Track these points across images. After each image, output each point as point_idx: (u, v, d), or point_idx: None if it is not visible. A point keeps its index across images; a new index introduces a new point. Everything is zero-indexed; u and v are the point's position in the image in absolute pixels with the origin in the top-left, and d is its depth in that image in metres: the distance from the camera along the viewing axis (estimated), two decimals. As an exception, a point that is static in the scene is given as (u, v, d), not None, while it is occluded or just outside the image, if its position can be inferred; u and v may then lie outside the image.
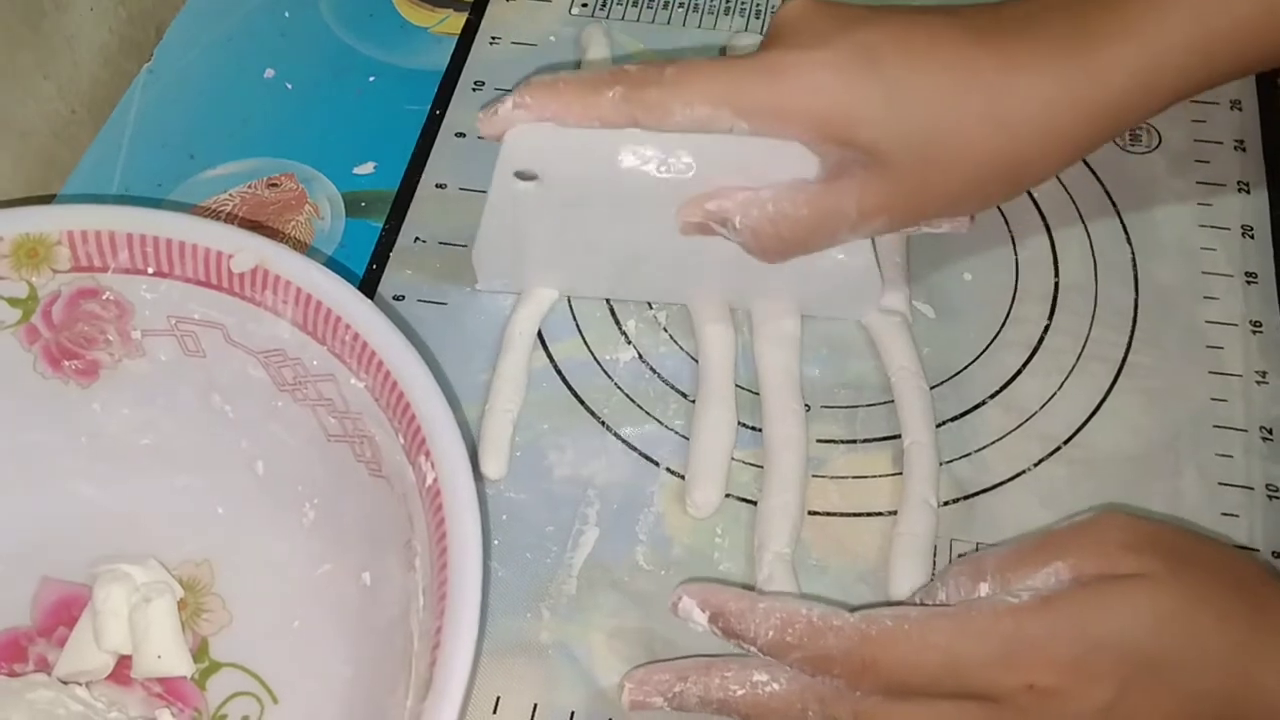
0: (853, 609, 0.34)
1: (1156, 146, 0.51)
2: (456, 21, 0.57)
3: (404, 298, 0.48)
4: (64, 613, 0.40)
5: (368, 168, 0.52)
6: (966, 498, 0.42)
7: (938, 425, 0.43)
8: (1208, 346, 0.45)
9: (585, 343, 0.46)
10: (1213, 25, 0.36)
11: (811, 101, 0.37)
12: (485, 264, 0.46)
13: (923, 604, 0.36)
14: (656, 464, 0.43)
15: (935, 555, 0.41)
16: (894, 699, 0.34)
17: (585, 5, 0.57)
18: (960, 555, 0.40)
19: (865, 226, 0.39)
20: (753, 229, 0.39)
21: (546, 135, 0.39)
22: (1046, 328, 0.46)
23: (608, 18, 0.56)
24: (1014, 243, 0.48)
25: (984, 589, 0.35)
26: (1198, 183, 0.49)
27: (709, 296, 0.46)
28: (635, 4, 0.57)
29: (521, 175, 0.41)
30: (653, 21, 0.56)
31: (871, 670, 0.33)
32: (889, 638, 0.33)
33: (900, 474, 0.42)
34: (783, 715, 0.35)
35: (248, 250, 0.39)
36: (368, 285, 0.48)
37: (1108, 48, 0.36)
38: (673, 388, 0.45)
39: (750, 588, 0.40)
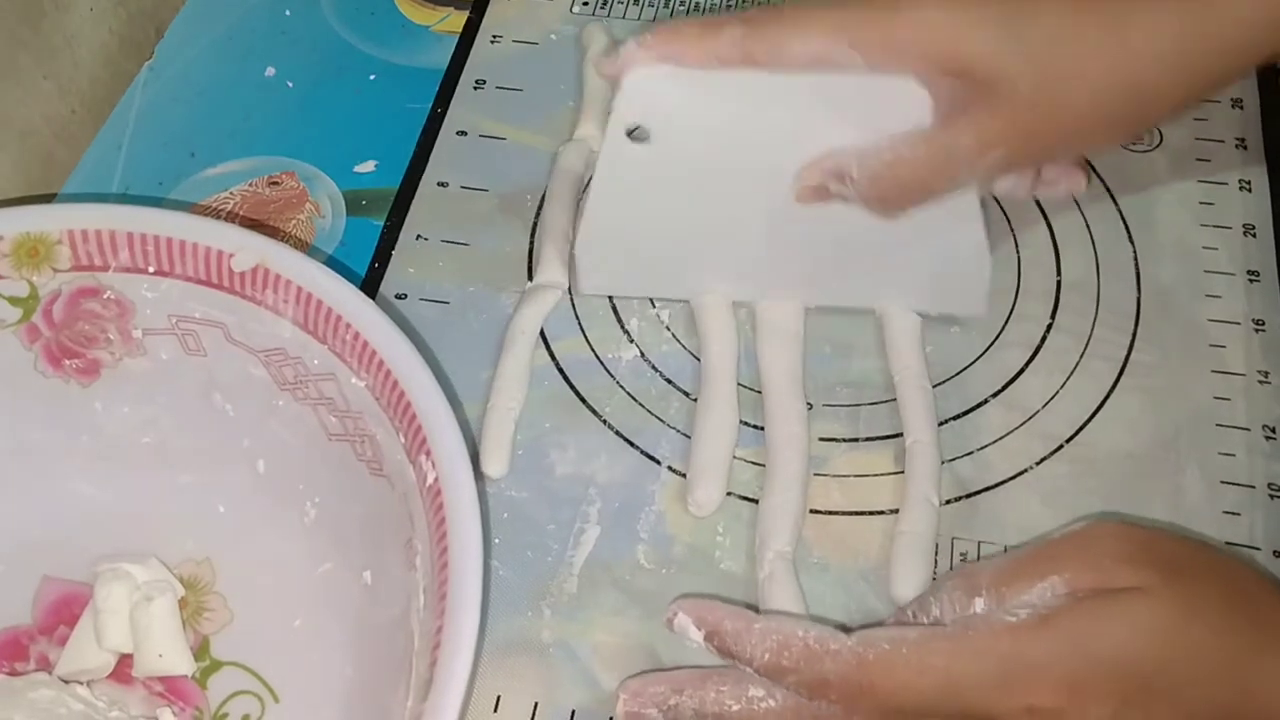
0: (849, 630, 0.34)
1: (1158, 145, 0.51)
2: (458, 20, 0.57)
3: (406, 296, 0.48)
4: (65, 611, 0.40)
5: (369, 166, 0.52)
6: (968, 496, 0.42)
7: (940, 424, 0.43)
8: (1210, 345, 0.45)
9: (587, 341, 0.46)
10: None
11: (926, 34, 0.37)
12: (588, 256, 0.45)
13: (916, 618, 0.36)
14: (658, 462, 0.43)
15: (936, 554, 0.41)
16: None
17: (586, 4, 0.57)
18: (956, 565, 0.40)
19: (984, 162, 0.39)
20: (870, 177, 0.39)
21: (662, 84, 0.39)
22: (1049, 326, 0.46)
23: (609, 16, 0.56)
24: (1016, 241, 0.48)
25: (979, 604, 0.34)
26: (1199, 181, 0.49)
27: (802, 293, 0.45)
28: (636, 2, 0.57)
29: (633, 136, 0.41)
30: (654, 20, 0.56)
31: (869, 694, 0.33)
32: (886, 662, 0.33)
33: (902, 473, 0.42)
34: None
35: (248, 249, 0.39)
36: (369, 284, 0.48)
37: None
38: (674, 386, 0.45)
39: (750, 607, 0.40)
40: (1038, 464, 0.43)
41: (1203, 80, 0.38)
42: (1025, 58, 0.37)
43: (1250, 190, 0.49)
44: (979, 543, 0.41)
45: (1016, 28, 0.37)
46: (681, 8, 0.56)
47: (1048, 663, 0.32)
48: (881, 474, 0.43)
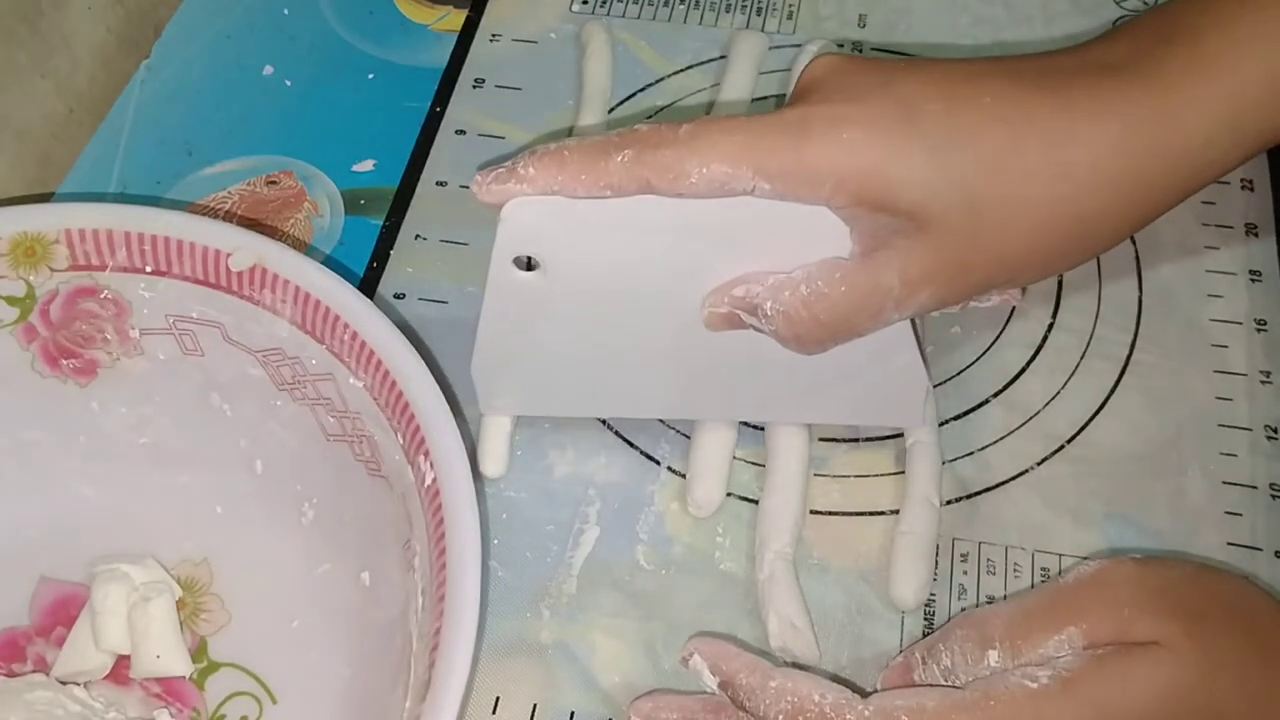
0: (864, 692, 0.34)
1: None
2: (457, 18, 0.57)
3: (404, 296, 0.48)
4: (62, 612, 0.40)
5: (367, 165, 0.52)
6: (969, 497, 0.42)
7: (940, 424, 0.43)
8: (1212, 345, 0.45)
9: (586, 341, 0.46)
10: None
11: (843, 160, 0.32)
12: (485, 378, 0.41)
13: (925, 663, 0.35)
14: (657, 462, 0.43)
15: (938, 555, 0.40)
16: None
17: (586, 2, 0.57)
18: (956, 564, 0.40)
19: (911, 302, 0.34)
20: (785, 313, 0.35)
21: (550, 213, 0.35)
22: (1050, 326, 0.46)
23: (608, 14, 0.56)
24: (1016, 240, 0.48)
25: (993, 656, 0.33)
26: (1201, 180, 0.49)
27: (724, 413, 0.42)
28: (636, 1, 0.57)
29: (521, 264, 0.37)
30: (654, 18, 0.56)
31: None
32: None
33: (902, 473, 0.42)
34: None
35: (246, 249, 0.39)
36: (368, 283, 0.48)
37: (1183, 85, 0.32)
38: (673, 386, 0.45)
39: (752, 635, 0.40)
40: (1039, 464, 0.43)
41: (1151, 202, 0.34)
42: (956, 190, 0.32)
43: (1252, 189, 0.49)
44: (979, 543, 0.41)
45: (946, 155, 0.32)
46: (682, 6, 0.56)
47: None
48: (881, 474, 0.42)
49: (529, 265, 0.37)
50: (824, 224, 0.34)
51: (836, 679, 0.36)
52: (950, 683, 0.34)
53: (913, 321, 0.37)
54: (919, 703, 0.33)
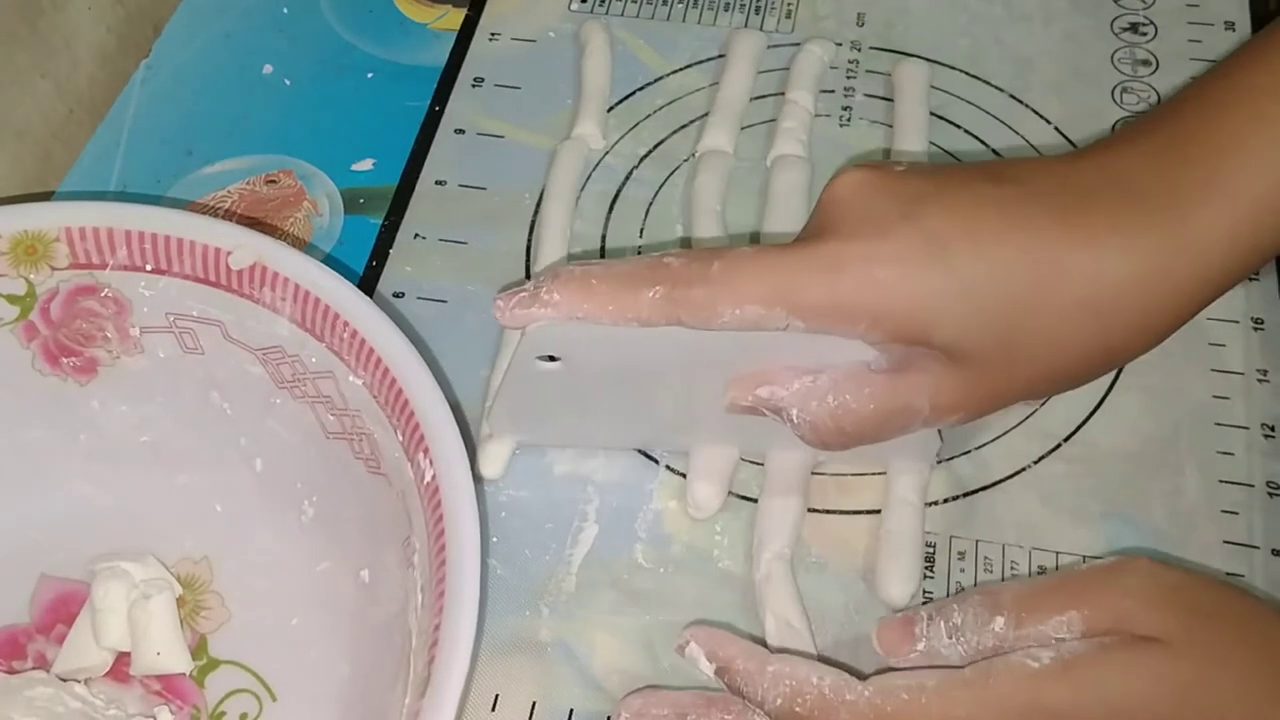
0: (863, 675, 0.34)
1: None
2: (455, 17, 0.57)
3: (403, 295, 0.48)
4: (62, 610, 0.40)
5: (367, 164, 0.52)
6: (966, 495, 0.42)
7: (938, 422, 0.43)
8: (1209, 343, 0.45)
9: (584, 340, 0.46)
10: None
11: (877, 300, 0.33)
12: (500, 425, 0.42)
13: (932, 619, 0.35)
14: (656, 461, 0.43)
15: (934, 553, 0.41)
16: None
17: (584, 1, 0.57)
18: (954, 562, 0.40)
19: (938, 421, 0.35)
20: (811, 423, 0.35)
21: (571, 330, 0.35)
22: (1047, 325, 0.46)
23: (607, 13, 0.56)
24: (1014, 239, 0.48)
25: (999, 622, 0.34)
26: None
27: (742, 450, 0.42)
28: (635, 0, 0.57)
29: (543, 357, 0.37)
30: (652, 17, 0.56)
31: None
32: (905, 714, 0.32)
33: (901, 471, 0.42)
34: None
35: (246, 247, 0.39)
36: (367, 282, 0.48)
37: (1201, 212, 0.33)
38: (672, 385, 0.45)
39: (750, 634, 0.40)
40: (1036, 463, 0.43)
41: (1169, 325, 0.35)
42: (988, 328, 0.33)
43: (1249, 188, 0.49)
44: (976, 541, 0.41)
45: (977, 295, 0.33)
46: (680, 5, 0.56)
47: (1071, 712, 0.32)
48: (880, 473, 0.42)
49: (550, 356, 0.37)
50: (856, 353, 0.35)
51: (833, 662, 0.36)
52: (954, 640, 0.34)
53: None
54: (919, 682, 0.33)
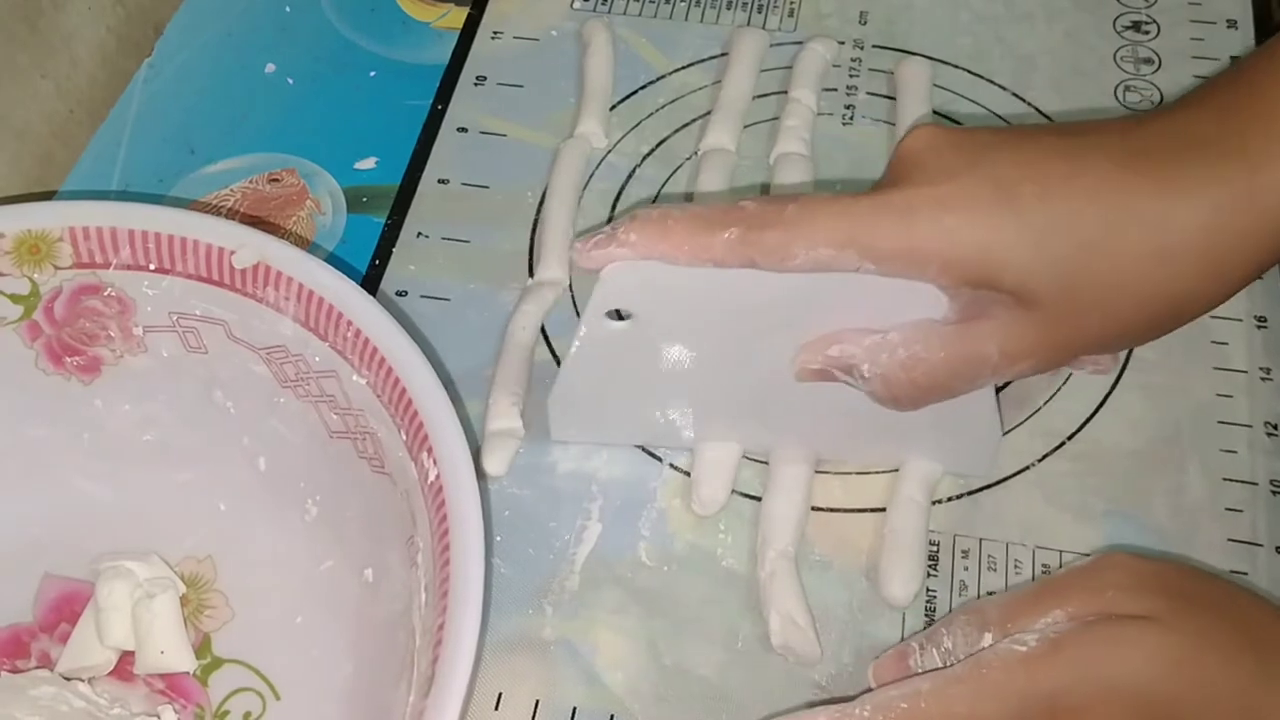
0: (852, 697, 0.34)
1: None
2: (458, 16, 0.57)
3: (406, 293, 0.48)
4: (66, 609, 0.40)
5: (369, 163, 0.52)
6: (970, 494, 0.42)
7: (941, 421, 0.43)
8: (1212, 342, 0.45)
9: (587, 338, 0.46)
10: None
11: (948, 245, 0.33)
12: (562, 411, 0.42)
13: (924, 649, 0.36)
14: (659, 460, 0.43)
15: (938, 551, 0.41)
16: None
17: (587, 0, 0.57)
18: (957, 561, 0.40)
19: (1008, 371, 0.36)
20: (884, 376, 0.36)
21: (649, 271, 0.35)
22: (1050, 323, 0.46)
23: (609, 12, 0.56)
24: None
25: (988, 638, 0.34)
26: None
27: (808, 448, 0.42)
28: (637, -1, 0.57)
29: (613, 315, 0.37)
30: (655, 16, 0.56)
31: None
32: None
33: (904, 470, 0.42)
34: None
35: (249, 246, 0.39)
36: (370, 281, 0.48)
37: (1269, 165, 0.33)
38: (675, 383, 0.45)
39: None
40: (1039, 461, 0.43)
41: (1236, 278, 0.35)
42: (1056, 272, 0.33)
43: (1252, 186, 0.49)
44: (980, 539, 0.41)
45: (1046, 239, 0.33)
46: (683, 4, 0.56)
47: (1065, 693, 0.32)
48: (884, 471, 0.42)
49: (620, 314, 0.37)
50: (920, 286, 0.35)
51: (829, 700, 0.36)
52: (947, 665, 0.35)
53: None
54: (913, 689, 0.33)
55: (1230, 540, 0.40)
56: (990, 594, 0.40)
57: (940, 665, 0.35)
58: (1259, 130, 0.33)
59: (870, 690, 0.35)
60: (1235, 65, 0.36)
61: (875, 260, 0.34)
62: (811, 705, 0.37)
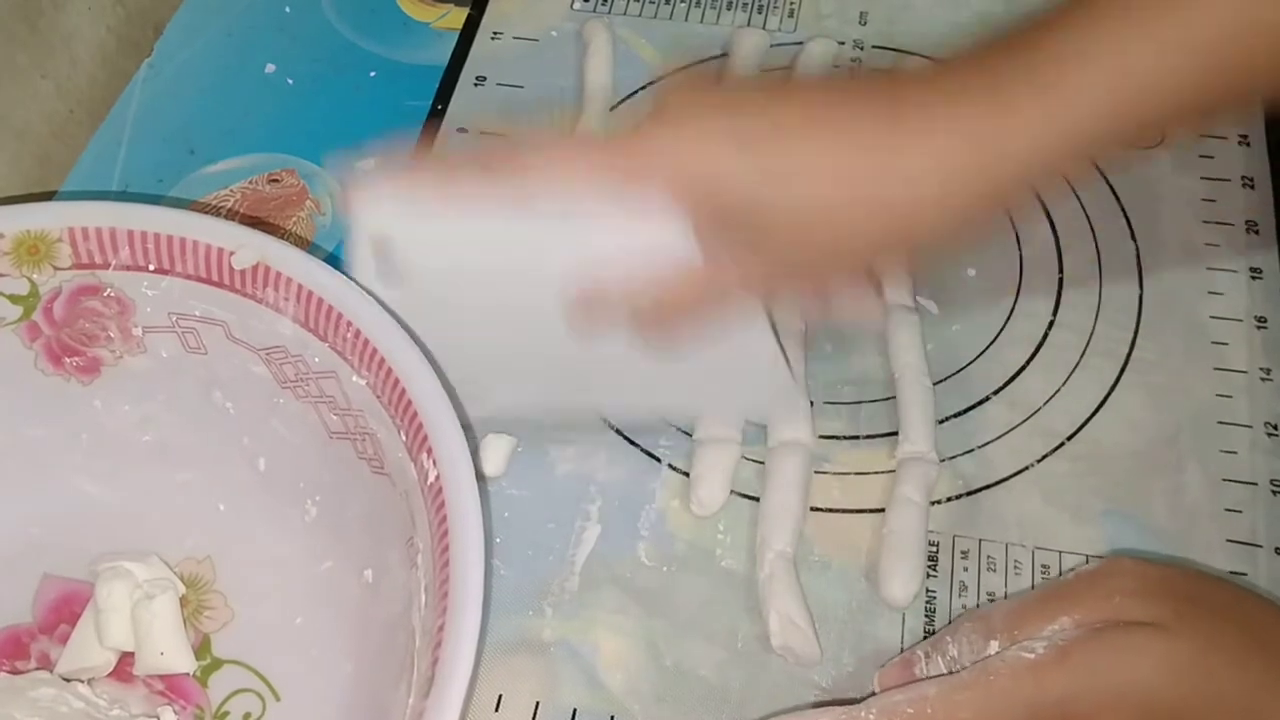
0: (859, 699, 0.34)
1: (1160, 142, 0.50)
2: (458, 17, 0.57)
3: (405, 294, 0.48)
4: (66, 610, 0.40)
5: (369, 163, 0.52)
6: (970, 494, 0.42)
7: (941, 421, 0.43)
8: (1212, 342, 0.45)
9: (587, 339, 0.46)
10: (1139, 78, 0.33)
11: (674, 156, 0.35)
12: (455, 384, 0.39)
13: (929, 657, 0.36)
14: (658, 460, 0.43)
15: (937, 552, 0.41)
16: None
17: (587, 0, 0.57)
18: (958, 562, 0.40)
19: (751, 294, 0.38)
20: (633, 308, 0.37)
21: (404, 203, 0.36)
22: (1050, 323, 0.46)
23: (609, 12, 0.56)
24: (1018, 238, 0.48)
25: (994, 646, 0.34)
26: (1202, 178, 0.49)
27: (606, 410, 0.43)
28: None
29: (384, 279, 0.38)
30: (655, 16, 0.56)
31: None
32: None
33: (903, 470, 0.42)
34: None
35: (249, 247, 0.39)
36: (369, 281, 0.48)
37: (1016, 111, 0.33)
38: (675, 384, 0.45)
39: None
40: (1039, 461, 0.43)
41: (979, 212, 0.35)
42: (781, 196, 0.34)
43: (1253, 187, 0.49)
44: (980, 540, 0.41)
45: (775, 184, 0.34)
46: (683, 4, 0.56)
47: (1074, 700, 0.32)
48: (883, 471, 0.42)
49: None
50: (669, 237, 0.35)
51: (834, 700, 0.36)
52: (953, 672, 0.35)
53: (772, 322, 0.39)
54: (919, 693, 0.33)
55: (1230, 541, 0.40)
56: (990, 594, 0.40)
57: (946, 672, 0.35)
58: (1017, 80, 0.34)
59: (875, 695, 0.35)
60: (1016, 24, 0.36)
61: (611, 176, 0.35)
62: (816, 705, 0.37)
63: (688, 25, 0.56)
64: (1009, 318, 0.46)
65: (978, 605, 0.39)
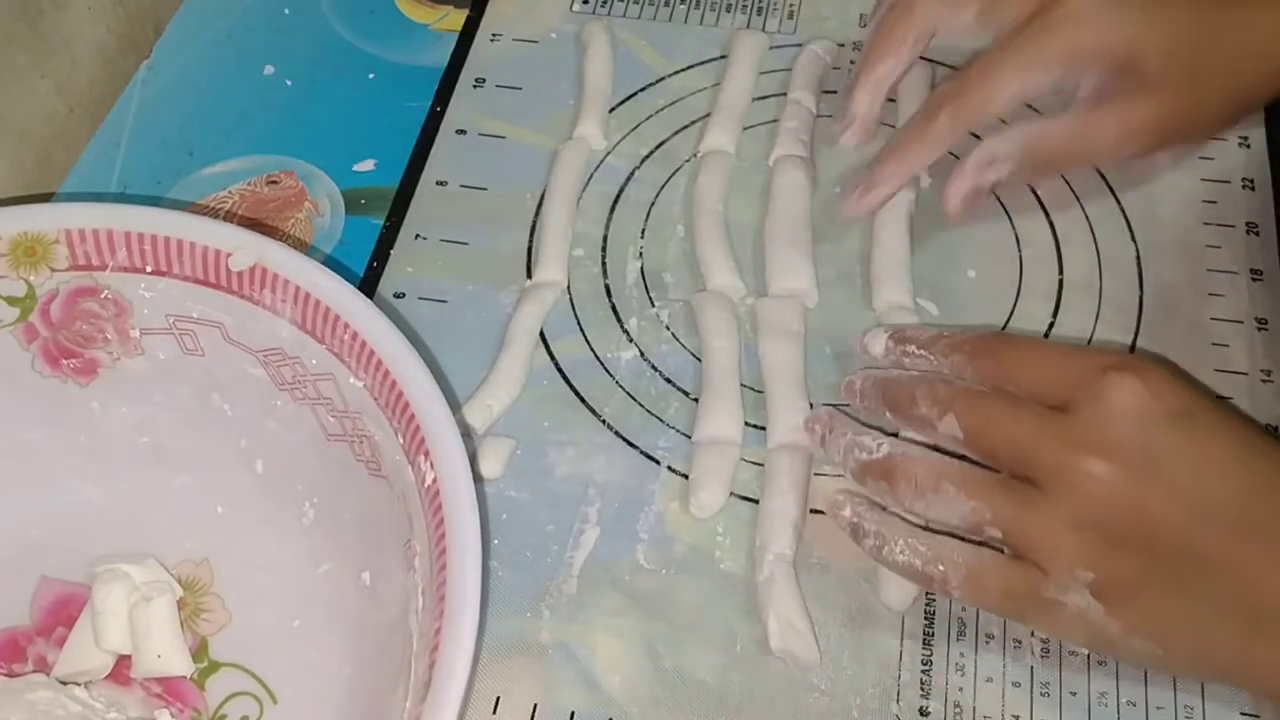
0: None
1: (1161, 143, 0.50)
2: (457, 18, 0.57)
3: (404, 295, 0.48)
4: (63, 612, 0.40)
5: (368, 165, 0.52)
6: (969, 496, 0.42)
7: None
8: (1213, 344, 0.45)
9: (586, 340, 0.46)
10: None
11: (1105, 41, 0.41)
12: None
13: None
14: (657, 462, 0.43)
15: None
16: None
17: (586, 2, 0.57)
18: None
19: (1120, 145, 0.42)
20: (1020, 147, 0.42)
21: None
22: (1051, 325, 0.46)
23: (609, 14, 0.56)
24: (1018, 239, 0.48)
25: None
26: (1202, 179, 0.49)
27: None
28: (637, 1, 0.57)
29: None
30: (654, 18, 0.56)
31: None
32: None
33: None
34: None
35: (246, 248, 0.39)
36: (368, 283, 0.48)
37: None
38: (674, 386, 0.45)
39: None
40: (1039, 464, 0.42)
41: None
42: (1182, 65, 0.41)
43: (1253, 188, 0.49)
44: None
45: (1178, 40, 0.41)
46: (683, 6, 0.56)
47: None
48: (882, 474, 0.42)
49: None
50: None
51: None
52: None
53: None
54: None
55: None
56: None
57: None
58: None
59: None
60: None
61: (1054, 68, 0.42)
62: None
63: (687, 27, 0.56)
64: (1009, 319, 0.46)
65: (976, 611, 0.39)
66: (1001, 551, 0.36)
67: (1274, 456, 0.34)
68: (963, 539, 0.36)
